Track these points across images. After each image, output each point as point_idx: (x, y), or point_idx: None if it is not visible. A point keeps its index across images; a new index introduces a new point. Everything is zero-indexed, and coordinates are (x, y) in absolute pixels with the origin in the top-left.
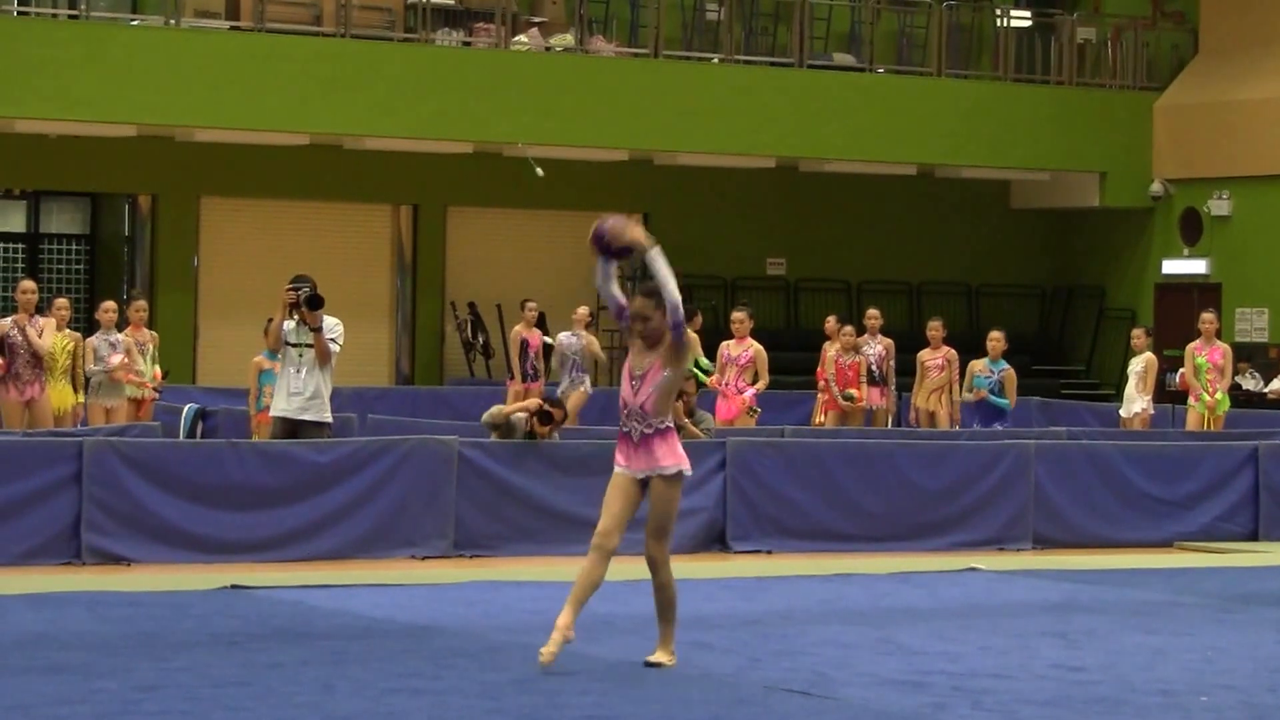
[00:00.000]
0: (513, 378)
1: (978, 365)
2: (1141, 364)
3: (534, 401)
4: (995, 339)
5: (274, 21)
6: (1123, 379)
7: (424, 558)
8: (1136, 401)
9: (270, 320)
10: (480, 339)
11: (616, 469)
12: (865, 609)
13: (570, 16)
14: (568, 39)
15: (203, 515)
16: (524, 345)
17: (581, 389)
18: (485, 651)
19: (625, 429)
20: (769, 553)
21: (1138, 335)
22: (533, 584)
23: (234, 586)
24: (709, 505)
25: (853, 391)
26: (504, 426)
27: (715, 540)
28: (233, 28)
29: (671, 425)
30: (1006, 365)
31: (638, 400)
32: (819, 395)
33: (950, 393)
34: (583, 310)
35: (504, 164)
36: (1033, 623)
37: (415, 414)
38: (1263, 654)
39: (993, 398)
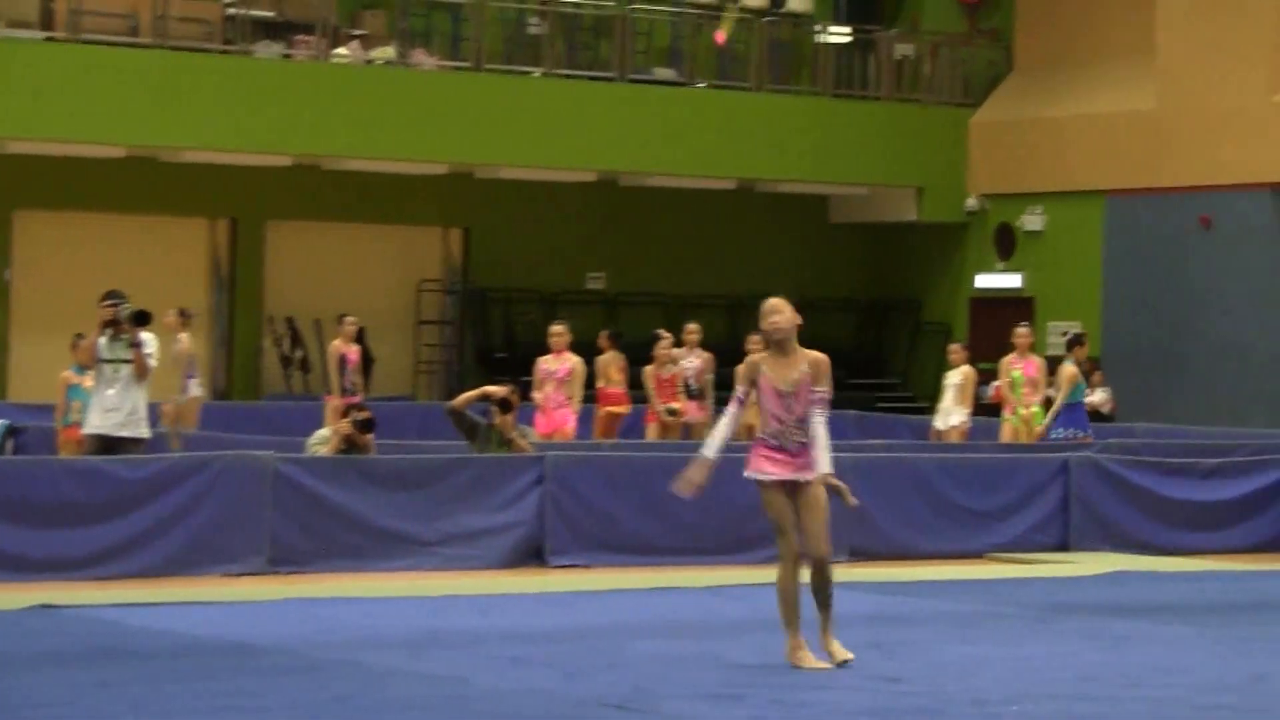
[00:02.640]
0: (331, 393)
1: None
2: (959, 377)
3: (498, 389)
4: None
5: (90, 32)
6: (938, 392)
7: (240, 575)
8: (954, 414)
9: (79, 335)
10: (298, 354)
11: (768, 478)
12: (684, 622)
13: (391, 29)
14: (388, 52)
15: (12, 533)
16: (343, 360)
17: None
18: (306, 669)
19: (779, 441)
20: (588, 567)
21: (955, 350)
22: (351, 600)
23: (44, 606)
24: (527, 520)
25: (675, 405)
26: (463, 420)
27: (533, 555)
28: (48, 38)
29: None
30: None
31: (795, 414)
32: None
33: None
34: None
35: (323, 177)
36: (849, 634)
37: (232, 429)
38: (1075, 663)
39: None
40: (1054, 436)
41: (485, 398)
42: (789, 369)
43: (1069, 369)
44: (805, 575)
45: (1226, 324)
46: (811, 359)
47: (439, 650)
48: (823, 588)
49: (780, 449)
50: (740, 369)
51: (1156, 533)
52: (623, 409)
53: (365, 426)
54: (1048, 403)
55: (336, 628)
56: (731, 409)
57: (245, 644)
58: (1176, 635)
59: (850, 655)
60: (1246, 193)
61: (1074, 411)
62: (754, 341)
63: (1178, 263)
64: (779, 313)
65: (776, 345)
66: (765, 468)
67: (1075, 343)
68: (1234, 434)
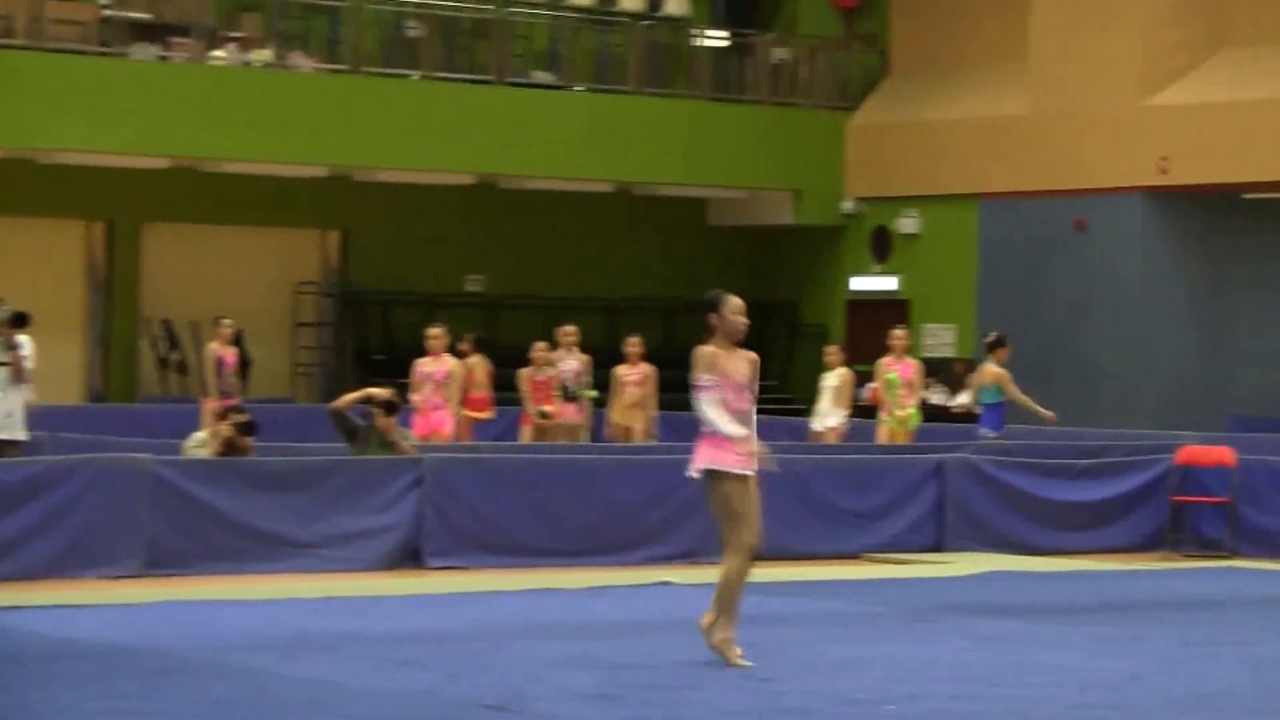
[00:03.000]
0: (208, 395)
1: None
2: (836, 379)
3: (381, 391)
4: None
5: None
6: (816, 394)
7: (117, 577)
8: (831, 416)
9: None
10: (175, 356)
11: (740, 474)
12: (561, 623)
13: (268, 32)
14: (266, 54)
15: None
16: (219, 362)
17: None
18: (183, 671)
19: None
20: (466, 568)
21: (831, 351)
22: (228, 603)
23: None
24: (405, 521)
25: (547, 408)
26: (345, 422)
27: (411, 557)
28: None
29: None
30: None
31: (746, 407)
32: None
33: (647, 408)
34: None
35: (200, 180)
36: None
37: (108, 432)
38: (948, 663)
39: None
40: (984, 436)
41: (368, 399)
42: (740, 362)
43: (991, 369)
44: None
45: (1100, 326)
46: (751, 357)
47: (315, 652)
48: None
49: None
50: (702, 359)
51: (1030, 533)
52: (484, 414)
53: (246, 429)
54: (923, 404)
55: (213, 630)
56: (713, 395)
57: (121, 647)
58: (1050, 635)
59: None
60: (1118, 196)
61: (995, 412)
62: (832, 353)
63: (1051, 266)
64: (744, 313)
65: (732, 341)
66: (729, 460)
67: (998, 344)
68: (1107, 435)
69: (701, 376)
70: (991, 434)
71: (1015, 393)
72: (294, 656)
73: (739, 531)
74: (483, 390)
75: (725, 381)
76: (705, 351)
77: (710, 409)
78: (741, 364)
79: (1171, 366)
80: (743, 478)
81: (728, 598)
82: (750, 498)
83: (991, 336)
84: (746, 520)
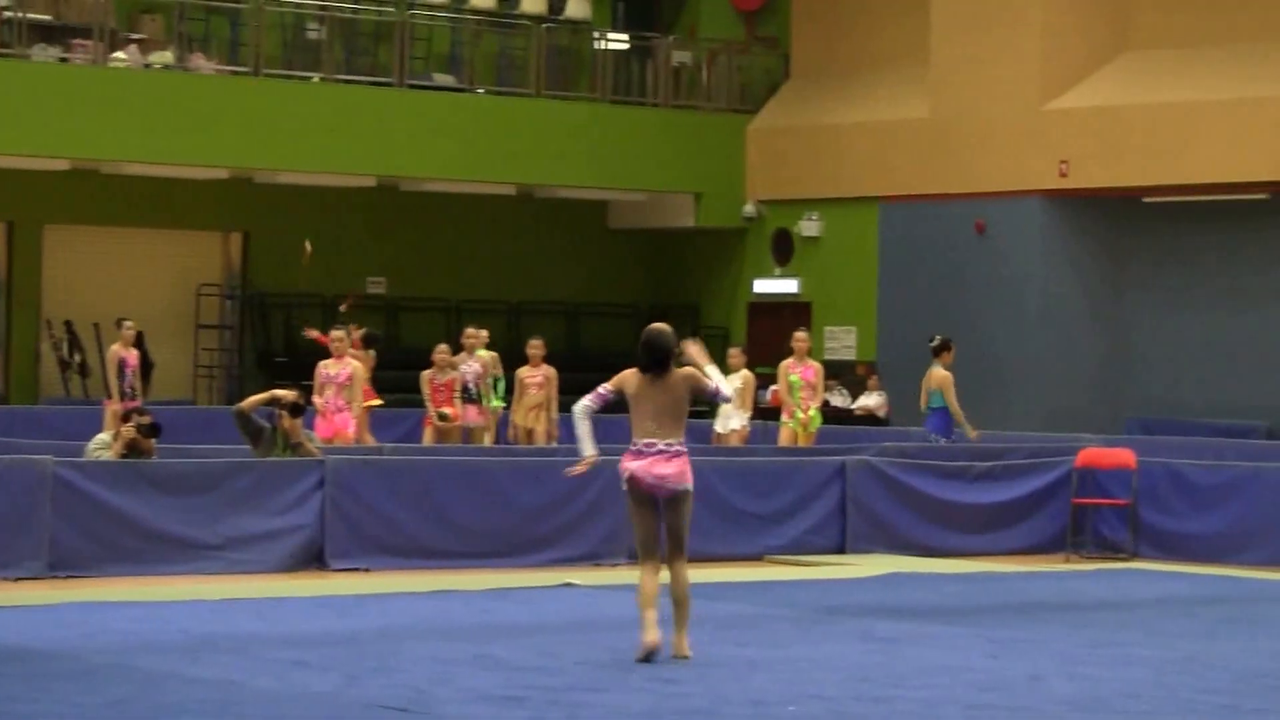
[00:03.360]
0: (110, 397)
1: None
2: (739, 380)
3: (287, 393)
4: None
5: None
6: None
7: (18, 579)
8: (734, 418)
9: None
10: (77, 358)
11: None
12: (464, 625)
13: (170, 34)
14: (167, 56)
15: None
16: (121, 364)
17: None
18: (83, 673)
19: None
20: (368, 570)
21: (734, 353)
22: (131, 604)
23: None
24: (308, 523)
25: (447, 410)
26: (249, 424)
27: (314, 559)
28: None
29: None
30: None
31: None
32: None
33: (549, 410)
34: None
35: (102, 181)
36: (627, 637)
37: (9, 434)
38: (849, 663)
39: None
40: (936, 441)
41: (274, 401)
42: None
43: (938, 373)
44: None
45: (999, 329)
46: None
47: (217, 654)
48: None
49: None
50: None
51: (931, 535)
52: (376, 401)
53: (151, 431)
54: (825, 406)
55: (114, 632)
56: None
57: (22, 649)
58: (951, 636)
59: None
60: (1018, 199)
61: (941, 416)
62: (735, 355)
63: (951, 268)
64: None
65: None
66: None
67: (943, 348)
68: (1007, 438)
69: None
70: (939, 438)
71: (952, 400)
72: (196, 658)
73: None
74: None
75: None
76: (687, 372)
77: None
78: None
79: (1071, 369)
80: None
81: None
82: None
83: (936, 340)
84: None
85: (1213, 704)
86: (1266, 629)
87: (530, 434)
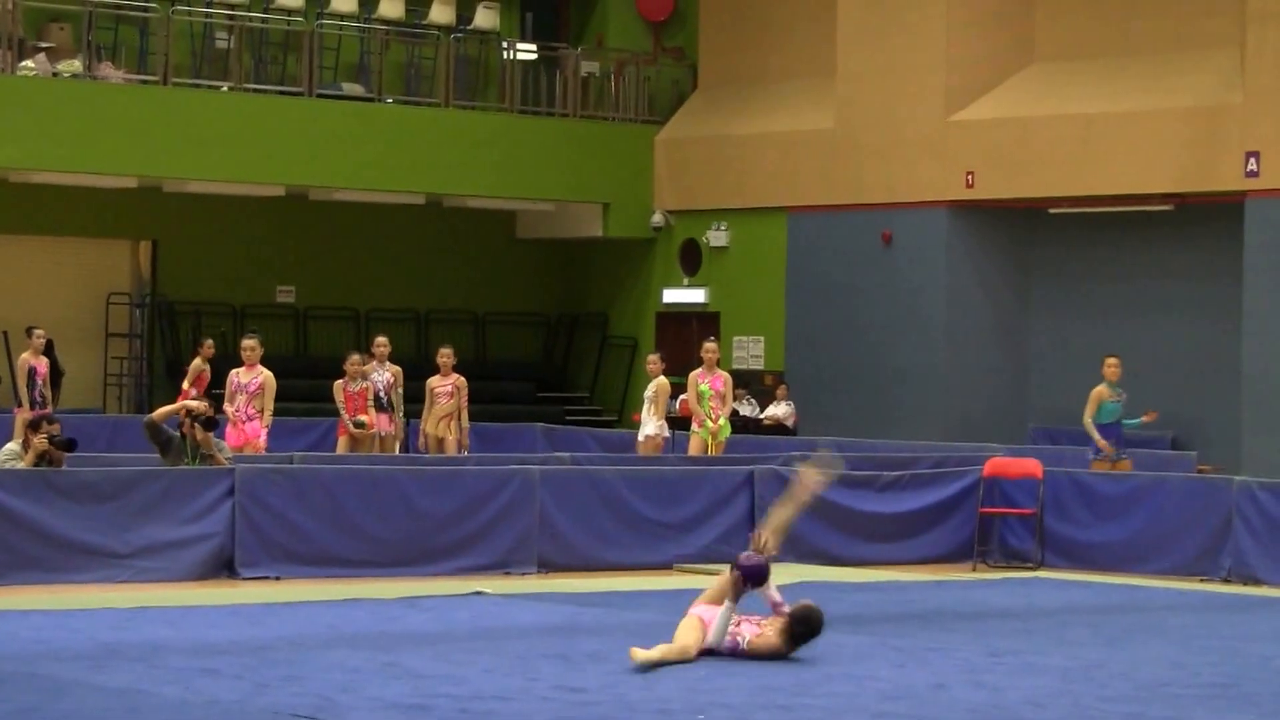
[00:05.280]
0: (20, 405)
1: (1104, 393)
2: (653, 389)
3: (198, 404)
4: (1113, 364)
5: None
6: (626, 405)
7: None
8: (648, 425)
9: None
10: None
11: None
12: (373, 634)
13: (78, 43)
14: (75, 65)
15: None
16: (32, 372)
17: None
18: None
19: None
20: (278, 579)
21: (651, 360)
22: (38, 613)
23: None
24: (218, 532)
25: (363, 418)
26: (159, 434)
27: (224, 567)
28: None
29: None
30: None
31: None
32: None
33: (459, 419)
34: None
35: (10, 190)
36: (537, 645)
37: None
38: (755, 671)
39: (1127, 422)
40: (1096, 457)
41: (185, 412)
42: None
43: (1096, 389)
44: None
45: (905, 338)
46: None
47: (124, 662)
48: None
49: None
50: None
51: (838, 544)
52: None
53: (65, 446)
54: (734, 415)
55: (20, 641)
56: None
57: None
58: (857, 645)
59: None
60: (924, 210)
61: (1110, 431)
62: (661, 362)
63: (858, 279)
64: None
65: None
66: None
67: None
68: (913, 447)
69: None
70: (1108, 449)
71: (1086, 413)
72: (104, 667)
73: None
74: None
75: None
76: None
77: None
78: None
79: (975, 378)
80: None
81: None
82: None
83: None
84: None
85: (1116, 712)
86: (1169, 638)
87: (441, 443)
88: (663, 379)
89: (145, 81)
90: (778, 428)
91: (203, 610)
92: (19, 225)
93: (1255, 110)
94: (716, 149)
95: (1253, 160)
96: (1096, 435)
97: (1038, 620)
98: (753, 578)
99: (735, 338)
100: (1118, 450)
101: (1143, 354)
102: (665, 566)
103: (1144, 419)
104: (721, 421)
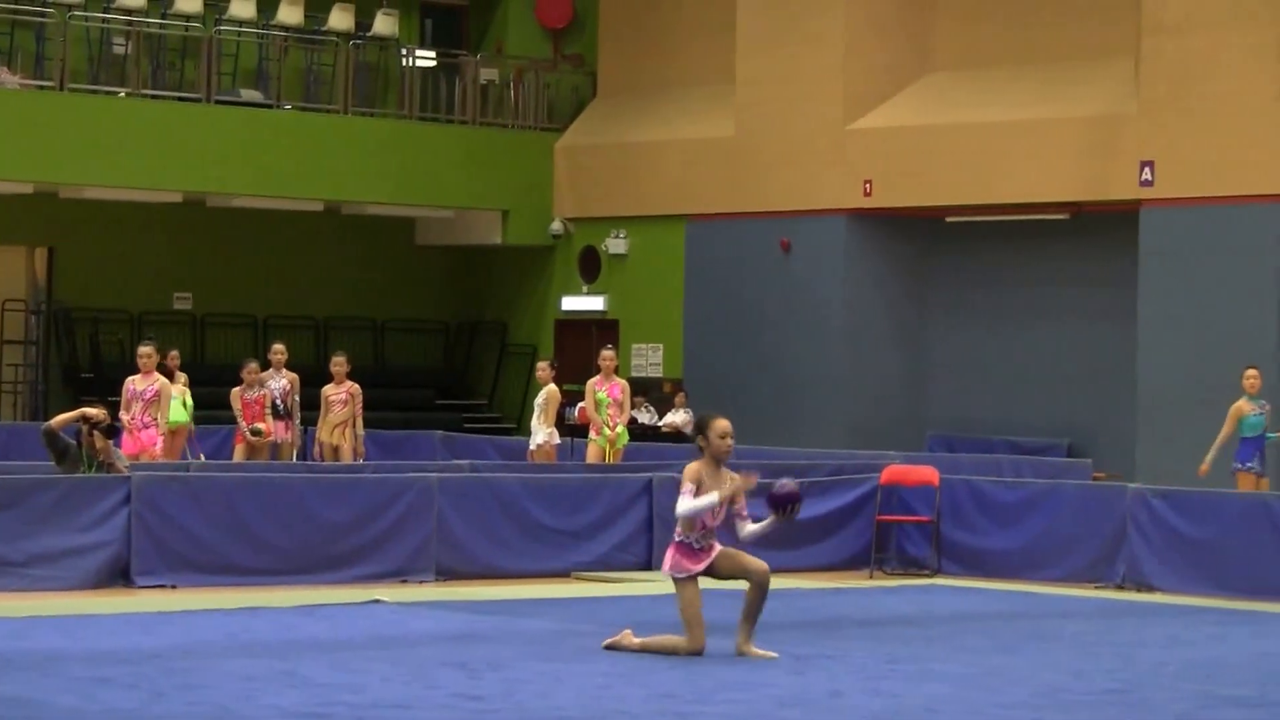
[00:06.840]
0: None
1: (1246, 407)
2: (543, 397)
3: (97, 412)
4: (1253, 375)
5: None
6: (526, 412)
7: None
8: (539, 433)
9: None
10: None
11: (687, 575)
12: (270, 642)
13: None
14: None
15: None
16: None
17: None
18: None
19: (693, 542)
20: (173, 587)
21: (541, 368)
22: None
23: None
24: (114, 540)
25: (260, 425)
26: (56, 442)
27: (119, 575)
28: None
29: None
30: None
31: (717, 521)
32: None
33: (354, 427)
34: None
35: None
36: (435, 653)
37: None
38: (654, 679)
39: (1270, 435)
40: (1243, 468)
41: (84, 420)
42: (723, 482)
43: (1237, 403)
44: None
45: (802, 346)
46: (732, 476)
47: (20, 671)
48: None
49: (700, 550)
50: (689, 472)
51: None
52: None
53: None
54: (633, 423)
55: None
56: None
57: None
58: None
59: (774, 654)
60: (822, 218)
61: (1249, 445)
62: (552, 369)
63: (756, 286)
64: (732, 436)
65: (718, 462)
66: (685, 565)
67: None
68: (811, 455)
69: (686, 484)
70: (1240, 464)
71: (1226, 425)
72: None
73: (690, 635)
74: None
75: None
76: (691, 469)
77: (683, 502)
78: (720, 483)
79: (873, 386)
80: (695, 577)
81: (655, 646)
82: (699, 595)
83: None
84: (695, 627)
85: (1013, 718)
86: (1065, 644)
87: (336, 451)
88: (553, 386)
89: (42, 87)
90: (676, 435)
91: (98, 619)
92: None
93: (1150, 120)
94: (616, 156)
95: (1147, 170)
96: (1213, 450)
97: (935, 627)
98: (782, 505)
99: (634, 345)
100: (1262, 466)
101: (1039, 362)
102: (564, 574)
103: None
104: (619, 429)
